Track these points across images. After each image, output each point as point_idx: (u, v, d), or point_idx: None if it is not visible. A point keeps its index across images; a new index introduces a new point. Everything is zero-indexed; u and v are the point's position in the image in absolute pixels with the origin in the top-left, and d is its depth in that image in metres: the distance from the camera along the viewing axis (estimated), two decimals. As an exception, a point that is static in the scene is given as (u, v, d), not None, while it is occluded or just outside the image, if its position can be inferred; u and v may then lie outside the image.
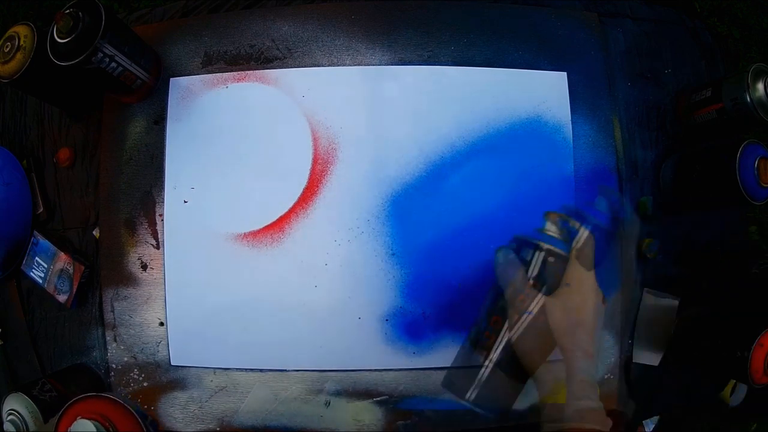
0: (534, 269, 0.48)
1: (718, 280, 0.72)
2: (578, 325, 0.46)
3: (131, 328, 0.68)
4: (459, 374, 0.51)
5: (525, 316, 0.47)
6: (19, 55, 0.63)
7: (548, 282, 0.48)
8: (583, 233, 0.49)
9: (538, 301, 0.47)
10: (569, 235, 0.49)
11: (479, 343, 0.50)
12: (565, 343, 0.46)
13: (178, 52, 0.71)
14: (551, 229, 0.50)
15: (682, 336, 0.69)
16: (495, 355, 0.48)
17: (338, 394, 0.66)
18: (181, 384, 0.68)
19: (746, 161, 0.62)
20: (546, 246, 0.48)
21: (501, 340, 0.48)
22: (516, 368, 0.48)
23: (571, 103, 0.69)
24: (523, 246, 0.49)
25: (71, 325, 0.72)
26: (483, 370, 0.49)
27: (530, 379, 0.48)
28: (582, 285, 0.47)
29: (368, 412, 0.66)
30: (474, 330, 0.51)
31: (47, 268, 0.71)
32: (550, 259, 0.48)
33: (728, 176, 0.62)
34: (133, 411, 0.57)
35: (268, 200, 0.67)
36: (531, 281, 0.48)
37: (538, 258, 0.48)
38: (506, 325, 0.48)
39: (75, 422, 0.55)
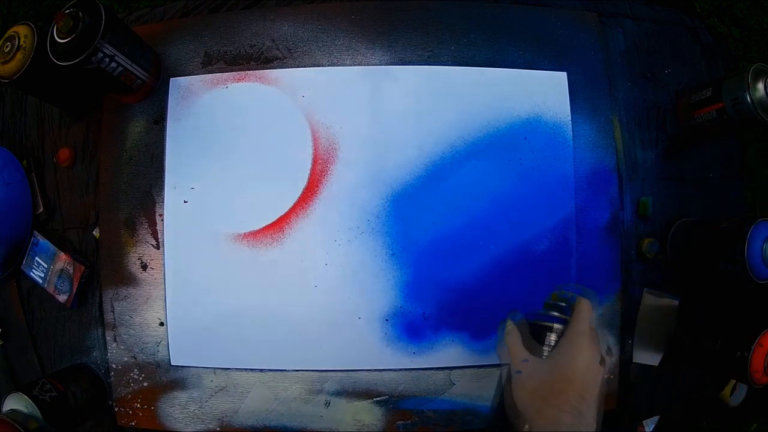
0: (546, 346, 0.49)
1: (718, 281, 0.72)
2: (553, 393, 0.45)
3: (131, 328, 0.68)
4: None
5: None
6: (19, 55, 0.63)
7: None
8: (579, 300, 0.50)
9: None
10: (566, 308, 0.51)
11: None
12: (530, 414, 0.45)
13: (178, 52, 0.71)
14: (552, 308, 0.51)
15: (682, 336, 0.69)
16: None
17: (338, 394, 0.66)
18: (181, 384, 0.68)
19: (755, 240, 0.62)
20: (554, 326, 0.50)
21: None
22: None
23: (571, 103, 0.69)
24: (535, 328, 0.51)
25: (71, 325, 0.72)
26: None
27: None
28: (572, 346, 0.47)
29: (368, 412, 0.66)
30: None
31: (47, 268, 0.71)
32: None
33: (736, 256, 0.62)
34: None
35: (268, 200, 0.67)
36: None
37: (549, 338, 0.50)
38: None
39: None
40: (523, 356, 0.48)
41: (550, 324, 0.49)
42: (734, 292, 0.70)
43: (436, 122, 0.68)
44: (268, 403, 0.67)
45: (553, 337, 0.49)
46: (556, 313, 0.50)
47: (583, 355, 0.46)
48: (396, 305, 0.66)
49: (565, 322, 0.49)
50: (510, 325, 0.50)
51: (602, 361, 0.47)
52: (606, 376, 0.63)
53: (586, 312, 0.48)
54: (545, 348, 0.49)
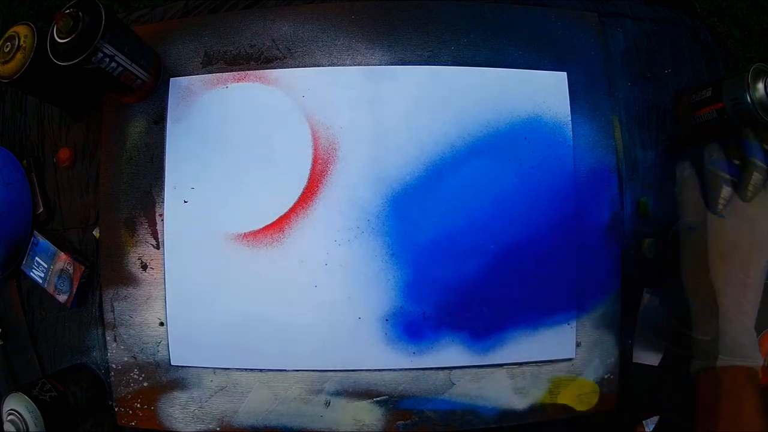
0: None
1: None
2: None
3: (131, 328, 0.68)
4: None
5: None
6: (19, 55, 0.63)
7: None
8: None
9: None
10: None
11: None
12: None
13: (178, 52, 0.71)
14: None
15: (682, 336, 0.69)
16: None
17: (338, 394, 0.66)
18: (181, 384, 0.68)
19: None
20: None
21: None
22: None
23: (571, 103, 0.69)
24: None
25: (71, 325, 0.72)
26: None
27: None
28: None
29: (368, 412, 0.66)
30: None
31: (47, 268, 0.71)
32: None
33: None
34: None
35: (268, 200, 0.67)
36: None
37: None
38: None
39: None
40: (700, 209, 0.43)
41: (726, 175, 0.43)
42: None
43: (436, 122, 0.68)
44: (268, 403, 0.67)
45: (726, 191, 0.43)
46: (737, 162, 0.43)
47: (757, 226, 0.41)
48: (396, 305, 0.66)
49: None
50: (688, 172, 0.45)
51: None
52: (606, 377, 0.61)
53: None
54: (721, 201, 0.43)
